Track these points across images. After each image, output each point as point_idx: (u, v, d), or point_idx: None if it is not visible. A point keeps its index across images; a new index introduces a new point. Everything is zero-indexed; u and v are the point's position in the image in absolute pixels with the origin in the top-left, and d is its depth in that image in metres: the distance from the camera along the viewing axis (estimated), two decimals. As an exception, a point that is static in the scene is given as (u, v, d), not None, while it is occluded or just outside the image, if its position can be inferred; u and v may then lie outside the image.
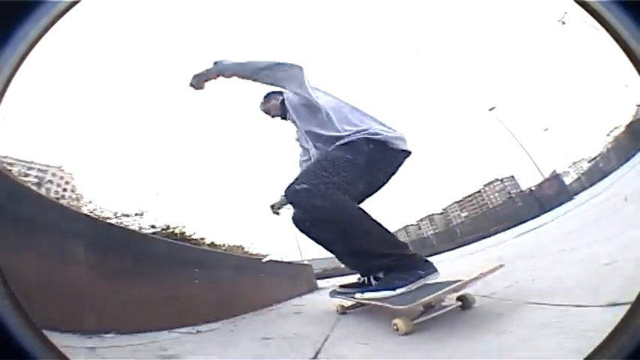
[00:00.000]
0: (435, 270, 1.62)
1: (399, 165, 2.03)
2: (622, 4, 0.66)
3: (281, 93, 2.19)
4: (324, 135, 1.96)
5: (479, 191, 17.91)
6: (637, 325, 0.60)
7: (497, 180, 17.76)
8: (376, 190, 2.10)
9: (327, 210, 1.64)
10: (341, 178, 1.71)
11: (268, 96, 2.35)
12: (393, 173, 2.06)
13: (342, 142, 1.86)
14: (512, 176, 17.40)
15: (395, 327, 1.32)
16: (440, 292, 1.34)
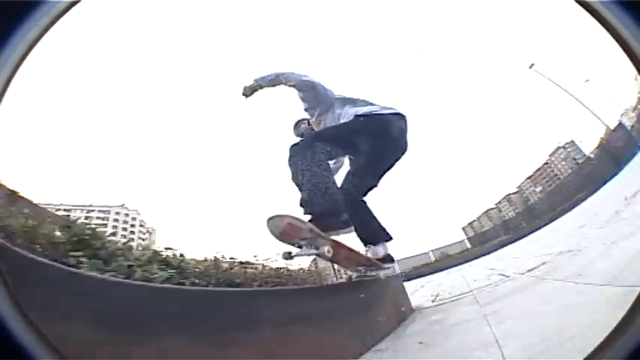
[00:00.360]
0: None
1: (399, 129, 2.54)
2: (622, 4, 0.67)
3: (306, 119, 2.93)
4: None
5: (546, 162, 17.98)
6: (637, 324, 0.60)
7: (559, 147, 17.81)
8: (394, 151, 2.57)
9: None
10: (330, 148, 2.37)
11: (297, 123, 3.01)
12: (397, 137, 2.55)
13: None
14: (572, 141, 17.58)
15: None
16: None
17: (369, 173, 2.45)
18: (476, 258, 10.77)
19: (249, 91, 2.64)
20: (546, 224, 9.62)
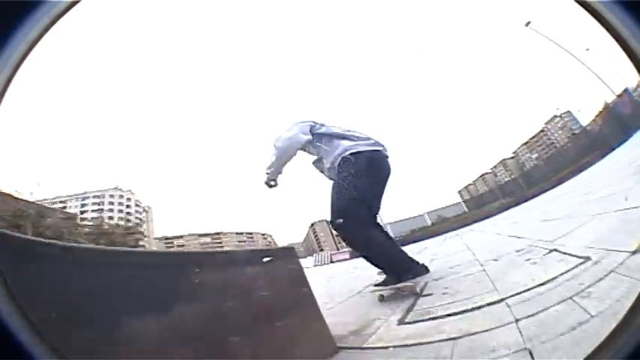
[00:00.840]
0: (426, 271, 2.43)
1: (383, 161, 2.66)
2: (622, 4, 0.67)
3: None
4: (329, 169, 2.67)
5: (542, 130, 17.90)
6: (637, 324, 0.61)
7: (556, 116, 17.68)
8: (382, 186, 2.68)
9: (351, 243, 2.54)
10: (355, 196, 2.41)
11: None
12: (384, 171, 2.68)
13: (336, 169, 2.57)
14: (569, 111, 17.35)
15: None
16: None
17: (369, 204, 2.55)
18: (476, 222, 9.66)
19: (273, 182, 2.71)
20: (553, 187, 8.83)
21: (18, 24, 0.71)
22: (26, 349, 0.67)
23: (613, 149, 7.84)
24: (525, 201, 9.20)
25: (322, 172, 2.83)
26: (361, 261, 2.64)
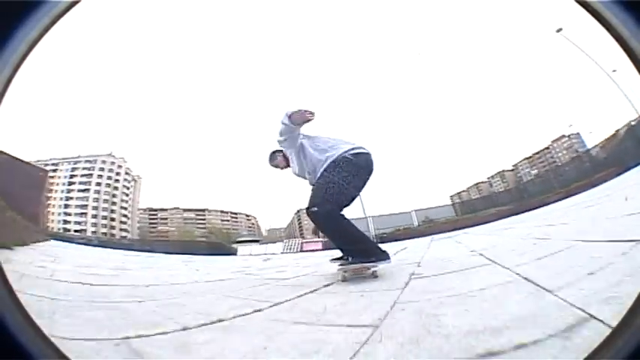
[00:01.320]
0: (387, 257, 2.46)
1: (369, 164, 2.74)
2: (622, 4, 0.66)
3: (281, 150, 2.97)
4: (313, 168, 2.73)
5: (547, 147, 18.06)
6: (637, 325, 0.60)
7: (564, 136, 17.77)
8: (363, 185, 2.77)
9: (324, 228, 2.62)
10: (332, 193, 2.51)
11: (273, 154, 3.09)
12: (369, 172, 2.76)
13: (324, 167, 2.65)
14: (579, 133, 17.44)
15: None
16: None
17: (348, 197, 2.68)
18: (471, 226, 9.15)
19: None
20: (560, 199, 8.48)
21: (18, 24, 0.71)
22: (26, 349, 0.67)
23: (629, 169, 7.75)
24: (527, 210, 8.81)
25: (303, 175, 2.91)
26: (319, 259, 2.72)
